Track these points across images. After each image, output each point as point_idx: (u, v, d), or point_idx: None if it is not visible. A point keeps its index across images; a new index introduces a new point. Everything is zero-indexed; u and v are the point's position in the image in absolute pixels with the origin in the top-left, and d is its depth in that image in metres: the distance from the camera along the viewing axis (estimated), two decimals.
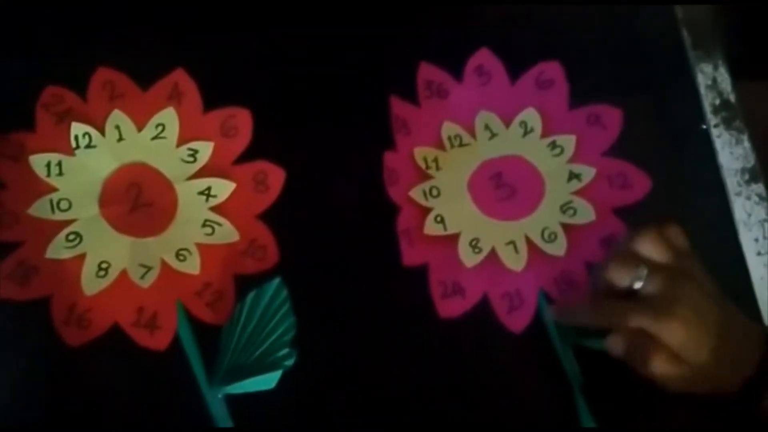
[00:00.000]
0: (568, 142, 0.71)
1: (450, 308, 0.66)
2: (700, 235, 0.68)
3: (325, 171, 0.69)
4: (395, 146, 0.70)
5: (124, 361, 0.62)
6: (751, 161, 0.73)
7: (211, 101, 0.70)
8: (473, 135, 0.72)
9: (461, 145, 0.71)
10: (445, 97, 0.73)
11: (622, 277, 0.60)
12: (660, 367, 0.57)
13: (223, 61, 0.71)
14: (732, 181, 0.72)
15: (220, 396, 0.61)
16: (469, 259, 0.67)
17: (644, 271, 0.59)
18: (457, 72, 0.73)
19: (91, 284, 0.63)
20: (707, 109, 0.74)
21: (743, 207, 0.71)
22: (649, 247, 0.61)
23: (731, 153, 0.73)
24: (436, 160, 0.70)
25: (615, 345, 0.60)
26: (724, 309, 0.59)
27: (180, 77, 0.70)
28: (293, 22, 0.73)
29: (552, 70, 0.74)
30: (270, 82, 0.71)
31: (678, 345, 0.57)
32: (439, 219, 0.68)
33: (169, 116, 0.69)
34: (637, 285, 0.60)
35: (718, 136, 0.73)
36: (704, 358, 0.57)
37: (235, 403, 0.61)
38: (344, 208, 0.68)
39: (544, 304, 0.66)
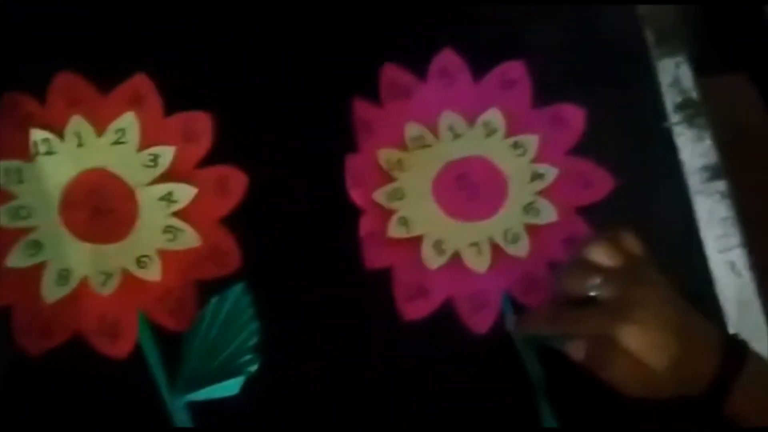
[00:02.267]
0: (531, 142, 0.72)
1: (414, 310, 0.67)
2: (663, 232, 0.70)
3: (288, 175, 0.69)
4: (358, 148, 0.70)
5: (85, 369, 0.62)
6: (713, 159, 0.73)
7: (173, 105, 0.70)
8: (437, 136, 0.72)
9: (425, 146, 0.72)
10: (408, 98, 0.73)
11: (577, 286, 0.61)
12: (620, 371, 0.58)
13: (184, 65, 0.71)
14: (694, 179, 0.73)
15: (182, 403, 0.62)
16: (433, 261, 0.68)
17: (598, 279, 0.60)
18: (420, 72, 0.74)
19: (51, 292, 0.63)
20: (669, 107, 0.75)
21: (705, 204, 0.72)
22: (602, 254, 0.61)
23: (693, 150, 0.74)
24: (399, 161, 0.71)
25: (576, 351, 0.60)
26: (682, 312, 0.60)
27: (141, 82, 0.70)
28: (254, 25, 0.73)
29: (515, 69, 0.74)
30: (231, 86, 0.71)
31: (637, 349, 0.57)
32: (402, 221, 0.69)
33: (129, 121, 0.69)
34: (593, 292, 0.60)
35: (681, 134, 0.74)
36: (664, 361, 0.57)
37: (198, 409, 0.62)
38: (307, 212, 0.68)
39: (507, 306, 0.67)
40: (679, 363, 0.58)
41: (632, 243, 0.62)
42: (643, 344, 0.57)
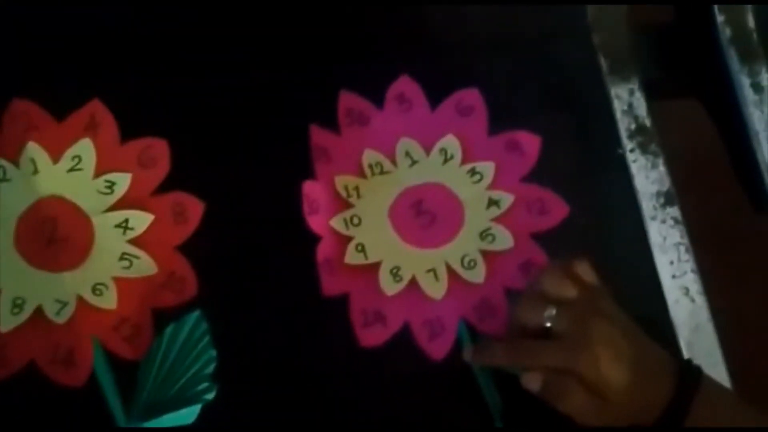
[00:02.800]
0: (487, 169, 0.73)
1: (371, 337, 0.67)
2: (617, 258, 0.71)
3: (244, 201, 0.69)
4: (315, 175, 0.71)
5: (40, 398, 0.62)
6: (666, 185, 0.75)
7: (128, 132, 0.70)
8: (394, 162, 0.73)
9: (382, 172, 0.72)
10: (365, 125, 0.74)
11: (531, 317, 0.61)
12: (576, 403, 0.59)
13: (139, 91, 0.71)
14: (648, 205, 0.74)
15: (139, 430, 0.62)
16: (390, 287, 0.69)
17: (552, 311, 0.60)
18: (377, 100, 0.74)
19: (6, 321, 0.63)
20: (623, 133, 0.76)
21: (659, 230, 0.73)
22: (555, 285, 0.62)
23: (647, 177, 0.75)
24: (357, 188, 0.71)
25: (531, 383, 0.61)
26: (636, 342, 0.60)
27: (96, 108, 0.70)
28: (211, 51, 0.73)
29: (471, 97, 0.75)
30: (187, 112, 0.71)
31: (592, 380, 0.58)
32: (360, 248, 0.70)
33: (85, 148, 0.69)
34: (548, 324, 0.60)
35: (634, 161, 0.75)
36: (619, 392, 0.58)
37: None
38: (264, 239, 0.68)
39: (464, 332, 0.68)
40: (632, 393, 0.58)
41: (586, 272, 0.63)
42: (599, 376, 0.58)
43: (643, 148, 0.76)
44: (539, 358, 0.60)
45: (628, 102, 0.77)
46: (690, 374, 0.60)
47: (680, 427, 0.59)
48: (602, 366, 0.58)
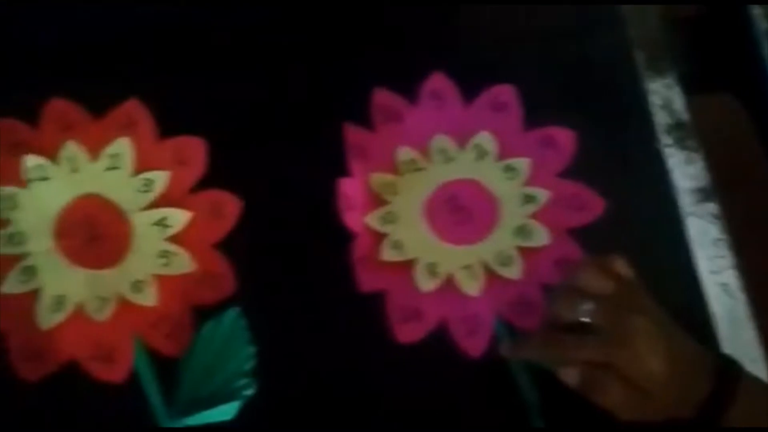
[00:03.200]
0: (523, 165, 0.73)
1: (408, 333, 0.67)
2: (655, 254, 0.71)
3: (281, 199, 0.70)
4: (350, 173, 0.71)
5: (81, 395, 0.63)
6: (704, 181, 0.75)
7: (166, 130, 0.71)
8: (428, 159, 0.73)
9: (416, 169, 0.73)
10: (399, 122, 0.74)
11: (568, 311, 0.61)
12: (615, 397, 0.59)
13: (176, 90, 0.72)
14: (685, 201, 0.74)
15: (179, 428, 0.62)
16: (426, 284, 0.69)
17: (590, 305, 0.61)
18: (411, 96, 0.75)
19: (46, 318, 0.64)
20: (660, 129, 0.76)
21: (697, 226, 0.73)
22: (592, 280, 0.62)
23: (684, 173, 0.75)
24: (391, 185, 0.72)
25: (569, 377, 0.61)
26: (673, 336, 0.60)
27: (133, 107, 0.71)
28: (247, 50, 0.74)
29: (505, 93, 0.75)
30: (224, 110, 0.72)
31: (632, 374, 0.58)
32: (395, 245, 0.70)
33: (123, 146, 0.69)
34: (585, 318, 0.61)
35: (672, 156, 0.75)
36: (657, 386, 0.58)
37: None
38: (300, 236, 0.69)
39: (501, 329, 0.68)
40: (671, 387, 0.58)
41: (623, 268, 0.63)
42: (639, 370, 0.58)
43: (681, 144, 0.76)
44: (578, 353, 0.61)
45: (664, 97, 0.77)
46: (730, 369, 0.60)
47: (719, 421, 0.59)
48: (641, 360, 0.58)
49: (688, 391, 0.59)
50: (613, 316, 0.60)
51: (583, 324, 0.60)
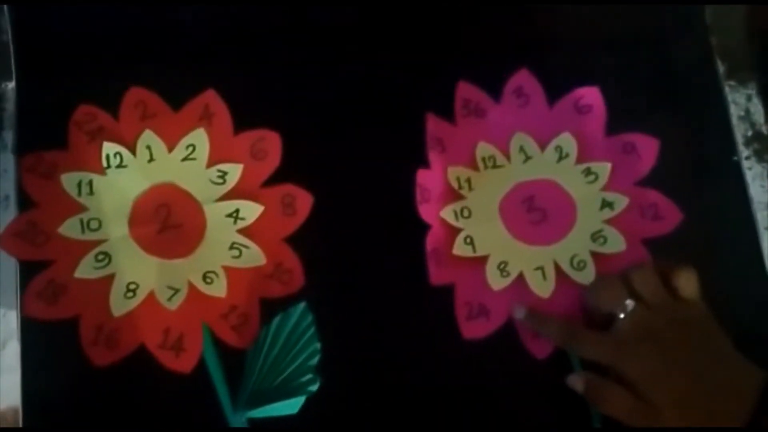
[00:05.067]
0: (603, 169, 0.73)
1: (474, 329, 0.68)
2: (730, 268, 0.71)
3: (354, 194, 0.71)
4: (429, 164, 0.72)
5: (149, 382, 0.65)
6: None
7: (241, 123, 0.72)
8: (507, 157, 0.73)
9: (495, 166, 0.73)
10: (481, 117, 0.74)
11: (604, 301, 0.62)
12: (617, 407, 0.60)
13: (253, 82, 0.73)
14: (762, 215, 0.73)
15: (243, 420, 0.64)
16: (496, 282, 0.69)
17: (631, 303, 0.61)
18: (495, 92, 0.75)
19: (119, 305, 0.65)
20: (739, 140, 0.76)
21: None
22: (643, 282, 0.62)
23: (762, 186, 0.74)
24: (468, 180, 0.72)
25: (574, 383, 0.62)
26: (709, 356, 0.60)
27: (211, 98, 0.72)
28: (326, 42, 0.75)
29: (591, 95, 0.75)
30: (300, 104, 0.73)
31: (634, 381, 0.59)
32: (468, 240, 0.70)
33: (199, 137, 0.71)
34: (620, 315, 0.61)
35: (749, 168, 0.75)
36: (665, 399, 0.58)
37: (258, 427, 0.64)
38: (372, 230, 0.70)
39: None
40: (690, 403, 0.58)
41: (686, 282, 0.63)
42: (640, 377, 0.59)
43: (760, 156, 0.75)
44: (585, 346, 0.62)
45: (745, 108, 0.77)
46: None
47: None
48: (648, 369, 0.59)
49: (721, 415, 0.58)
50: (646, 324, 0.61)
51: (613, 322, 0.61)
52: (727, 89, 0.77)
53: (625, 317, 0.62)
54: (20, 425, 0.64)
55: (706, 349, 0.61)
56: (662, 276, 0.64)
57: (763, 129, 0.76)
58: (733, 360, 0.61)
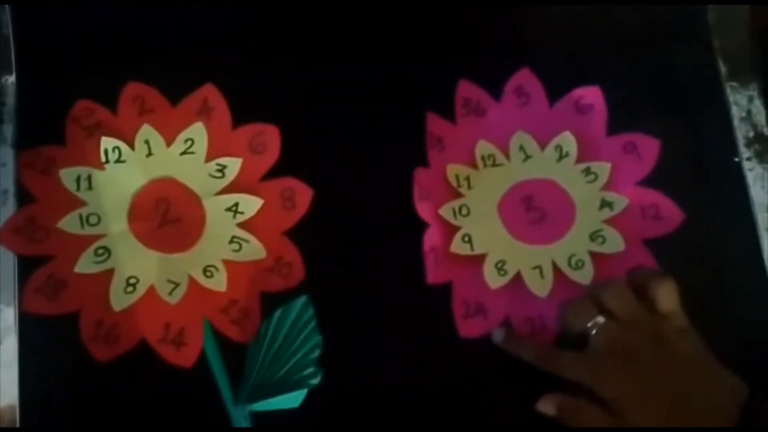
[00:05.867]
0: (603, 169, 0.74)
1: (471, 328, 0.69)
2: (730, 269, 0.72)
3: (353, 188, 0.72)
4: (428, 163, 0.73)
5: (150, 377, 0.66)
6: None
7: (240, 117, 0.73)
8: (507, 156, 0.75)
9: (494, 165, 0.74)
10: (482, 116, 0.76)
11: (575, 321, 0.63)
12: (591, 424, 0.60)
13: (252, 77, 0.74)
14: (763, 217, 0.74)
15: (245, 414, 0.65)
16: (494, 280, 0.71)
17: (600, 319, 0.62)
18: (496, 91, 0.76)
19: (119, 300, 0.67)
20: (740, 141, 0.77)
21: None
22: (612, 298, 0.63)
23: (763, 187, 0.75)
24: (468, 178, 0.74)
25: (545, 407, 0.63)
26: (688, 377, 0.61)
27: (209, 93, 0.73)
28: (325, 37, 0.76)
29: (592, 95, 0.76)
30: (300, 98, 0.74)
31: (610, 401, 0.60)
32: (466, 238, 0.72)
33: (198, 132, 0.72)
34: (591, 331, 0.62)
35: (750, 170, 0.76)
36: (641, 419, 0.59)
37: (260, 421, 0.65)
38: (371, 225, 0.71)
39: None
40: (669, 422, 0.59)
41: (665, 294, 0.63)
42: (616, 397, 0.59)
43: (761, 158, 0.77)
44: (562, 367, 0.62)
45: (746, 109, 0.78)
46: (758, 409, 0.60)
47: None
48: (623, 388, 0.59)
49: (701, 423, 0.59)
50: (619, 340, 0.61)
51: (586, 343, 0.62)
52: (728, 90, 0.79)
53: (596, 334, 0.62)
54: (17, 422, 0.65)
55: (685, 365, 0.61)
56: (639, 289, 0.65)
57: (765, 130, 0.78)
58: (714, 376, 0.62)
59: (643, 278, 0.65)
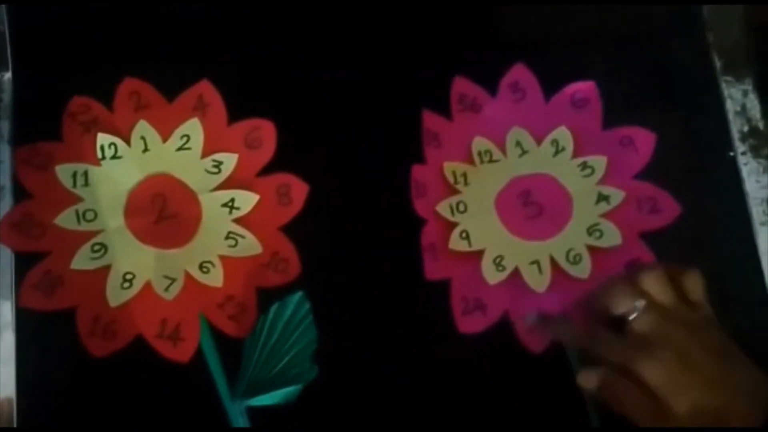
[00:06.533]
0: (599, 163, 0.75)
1: (470, 324, 0.70)
2: (725, 263, 0.73)
3: (349, 184, 0.73)
4: (425, 159, 0.74)
5: (147, 372, 0.67)
6: None
7: (236, 113, 0.74)
8: (504, 151, 0.75)
9: (491, 161, 0.75)
10: (477, 112, 0.76)
11: (618, 303, 0.64)
12: (633, 406, 0.61)
13: (248, 72, 0.75)
14: (758, 210, 0.75)
15: (241, 409, 0.66)
16: (492, 276, 0.71)
17: (642, 303, 0.63)
18: (491, 87, 0.77)
19: (115, 295, 0.67)
20: (735, 135, 0.78)
21: None
22: (655, 284, 0.64)
23: (758, 182, 0.76)
24: (465, 175, 0.74)
25: (586, 381, 0.63)
26: (722, 362, 0.61)
27: (205, 88, 0.74)
28: (322, 33, 0.77)
29: (587, 89, 0.77)
30: (295, 94, 0.75)
31: (654, 386, 0.60)
32: (464, 235, 0.72)
33: (193, 127, 0.73)
34: (631, 316, 0.63)
35: (745, 164, 0.77)
36: (683, 404, 0.59)
37: (256, 416, 0.66)
38: (368, 221, 0.72)
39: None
40: (706, 409, 0.59)
41: (693, 284, 0.64)
42: (662, 384, 0.60)
43: (756, 152, 0.77)
44: (605, 348, 0.63)
45: (741, 103, 0.79)
46: None
47: None
48: (666, 373, 0.60)
49: (730, 418, 0.60)
50: (658, 325, 0.62)
51: (624, 324, 0.63)
52: (723, 85, 0.79)
53: (636, 318, 0.63)
54: (14, 418, 0.66)
55: (719, 354, 0.62)
56: (670, 279, 0.65)
57: (760, 125, 0.78)
58: (745, 365, 0.62)
59: (674, 268, 0.65)
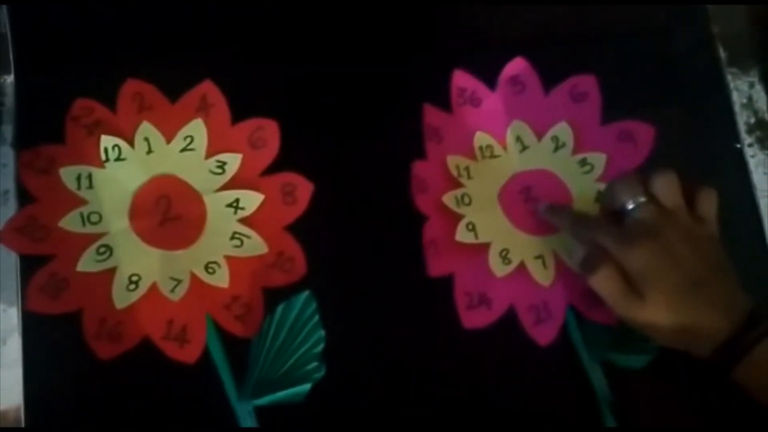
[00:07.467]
0: (599, 160, 0.76)
1: (475, 319, 0.71)
2: (733, 256, 0.71)
3: (353, 182, 0.73)
4: (426, 155, 0.75)
5: (154, 374, 0.67)
6: None
7: (240, 113, 0.74)
8: (504, 147, 0.76)
9: (492, 156, 0.76)
10: (478, 106, 0.77)
11: (619, 194, 0.65)
12: (607, 284, 0.63)
13: (250, 72, 0.75)
14: (765, 202, 0.76)
15: (249, 409, 0.67)
16: (498, 269, 0.72)
17: (641, 198, 0.65)
18: (491, 81, 0.78)
19: (121, 297, 0.68)
20: (741, 127, 0.78)
21: None
22: (663, 188, 0.65)
23: (765, 174, 0.77)
24: (468, 168, 0.75)
25: (574, 256, 0.67)
26: (707, 272, 0.63)
27: (208, 89, 0.75)
28: (322, 31, 0.78)
29: (586, 83, 0.78)
30: (298, 93, 0.75)
31: (632, 271, 0.62)
32: (471, 227, 0.73)
33: (197, 128, 0.73)
34: (629, 205, 0.65)
35: (752, 156, 0.78)
36: (658, 297, 0.62)
37: (264, 415, 0.67)
38: (372, 220, 0.73)
39: (572, 319, 0.71)
40: (679, 306, 0.62)
41: (705, 200, 0.66)
42: (639, 269, 0.62)
43: (762, 143, 0.78)
44: (595, 231, 0.65)
45: (747, 95, 0.79)
46: (758, 319, 0.62)
47: (731, 369, 0.61)
48: (647, 262, 0.62)
49: (702, 324, 0.62)
50: (654, 220, 0.63)
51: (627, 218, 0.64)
52: (729, 77, 0.80)
53: (634, 209, 0.65)
54: (22, 423, 0.66)
55: (707, 261, 0.63)
56: (685, 191, 0.67)
57: (766, 116, 0.79)
58: (731, 280, 0.64)
59: (692, 184, 0.67)
